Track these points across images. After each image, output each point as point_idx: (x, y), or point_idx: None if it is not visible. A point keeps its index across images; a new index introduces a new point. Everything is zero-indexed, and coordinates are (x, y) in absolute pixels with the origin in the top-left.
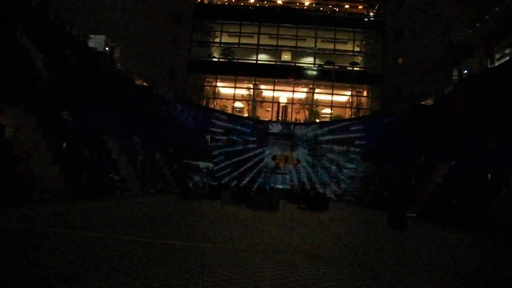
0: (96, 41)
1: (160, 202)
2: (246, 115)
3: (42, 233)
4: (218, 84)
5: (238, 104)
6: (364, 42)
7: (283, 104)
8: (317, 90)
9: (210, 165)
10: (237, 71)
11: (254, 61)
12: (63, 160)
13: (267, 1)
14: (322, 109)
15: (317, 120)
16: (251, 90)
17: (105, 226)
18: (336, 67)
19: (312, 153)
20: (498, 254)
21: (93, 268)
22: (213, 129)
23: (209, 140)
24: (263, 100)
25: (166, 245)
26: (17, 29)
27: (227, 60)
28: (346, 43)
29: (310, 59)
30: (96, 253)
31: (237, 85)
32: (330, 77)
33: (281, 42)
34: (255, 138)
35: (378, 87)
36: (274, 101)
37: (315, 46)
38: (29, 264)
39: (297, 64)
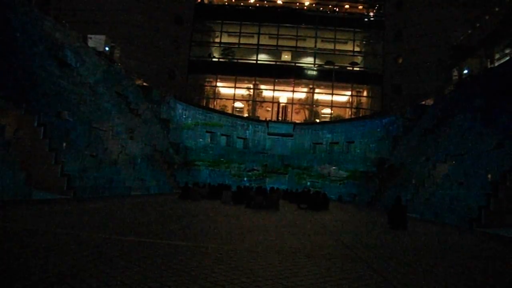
0: (96, 41)
1: (160, 202)
2: (246, 115)
3: (42, 233)
4: (218, 84)
5: (238, 104)
6: (364, 42)
7: (283, 104)
8: (317, 90)
9: None
10: (237, 71)
11: (254, 61)
12: (63, 160)
13: (267, 1)
14: (322, 109)
15: (317, 120)
16: (251, 90)
17: (105, 226)
18: (336, 67)
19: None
20: (498, 253)
21: (93, 268)
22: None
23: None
24: (263, 100)
25: (166, 245)
26: (17, 30)
27: (227, 60)
28: (346, 43)
29: (310, 59)
30: (96, 253)
31: (237, 85)
32: (330, 77)
33: (281, 42)
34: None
35: (378, 87)
36: (274, 101)
37: (315, 46)
38: (29, 264)
39: (297, 64)
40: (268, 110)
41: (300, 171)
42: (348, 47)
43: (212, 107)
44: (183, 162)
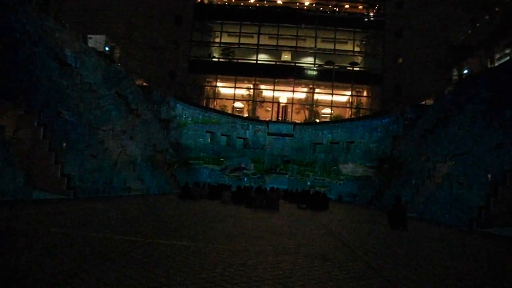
0: (96, 41)
1: (160, 202)
2: (246, 115)
3: (42, 233)
4: (218, 84)
5: (238, 104)
6: (364, 42)
7: (283, 104)
8: (317, 90)
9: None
10: (237, 71)
11: (254, 61)
12: (63, 160)
13: (267, 1)
14: (322, 109)
15: (317, 120)
16: (251, 90)
17: (105, 226)
18: (336, 67)
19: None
20: (498, 253)
21: (93, 268)
22: None
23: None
24: (263, 100)
25: (166, 245)
26: (17, 30)
27: (227, 60)
28: (346, 43)
29: (310, 59)
30: (96, 253)
31: (237, 85)
32: (330, 77)
33: (281, 42)
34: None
35: (378, 87)
36: (274, 101)
37: (315, 46)
38: (29, 264)
39: (297, 64)
40: (268, 110)
41: (302, 167)
42: (348, 47)
43: (212, 107)
44: (183, 162)
